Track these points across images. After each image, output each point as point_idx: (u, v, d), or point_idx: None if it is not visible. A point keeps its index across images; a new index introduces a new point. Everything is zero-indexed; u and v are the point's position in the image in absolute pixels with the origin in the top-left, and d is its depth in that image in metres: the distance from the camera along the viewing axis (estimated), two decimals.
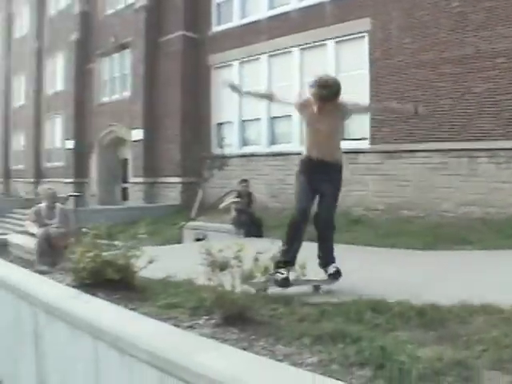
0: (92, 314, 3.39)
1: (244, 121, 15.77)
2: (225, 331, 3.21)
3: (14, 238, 8.78)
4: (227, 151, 15.76)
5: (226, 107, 16.08)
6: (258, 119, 15.18)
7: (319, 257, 4.82)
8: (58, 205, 8.10)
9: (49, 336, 3.90)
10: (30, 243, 7.48)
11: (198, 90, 16.85)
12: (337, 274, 4.71)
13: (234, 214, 10.68)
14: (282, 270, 4.50)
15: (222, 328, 3.28)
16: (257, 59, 15.24)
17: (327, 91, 4.38)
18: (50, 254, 6.82)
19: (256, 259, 3.55)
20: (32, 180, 26.33)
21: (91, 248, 4.37)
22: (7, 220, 20.40)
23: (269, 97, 6.00)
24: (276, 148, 14.61)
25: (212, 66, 16.54)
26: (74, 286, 4.31)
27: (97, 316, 3.34)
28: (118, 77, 20.41)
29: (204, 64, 16.74)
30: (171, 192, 17.12)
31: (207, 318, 3.50)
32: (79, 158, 22.21)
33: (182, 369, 2.47)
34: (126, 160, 20.08)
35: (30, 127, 26.87)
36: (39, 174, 26.17)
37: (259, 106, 14.75)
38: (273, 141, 14.91)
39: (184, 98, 16.81)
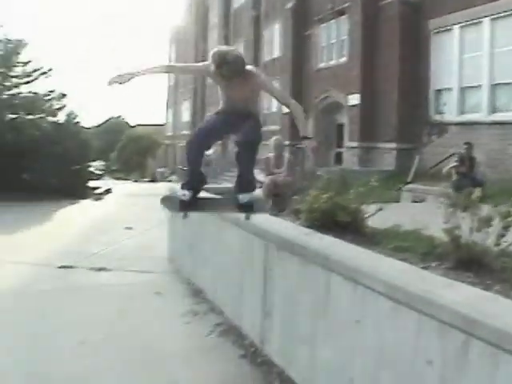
0: (327, 248, 3.72)
1: (464, 88, 16.25)
2: (458, 275, 3.37)
3: None
4: (446, 118, 16.51)
5: (445, 73, 16.84)
6: (479, 86, 15.65)
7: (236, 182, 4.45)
8: (286, 155, 8.75)
9: (278, 270, 4.31)
10: (257, 191, 8.35)
11: (417, 55, 17.62)
12: (249, 207, 4.33)
13: (454, 177, 10.95)
14: (185, 191, 4.24)
15: (455, 272, 3.45)
16: (479, 23, 15.57)
17: (226, 70, 3.77)
18: (276, 202, 7.12)
19: (495, 205, 3.61)
20: None
21: (325, 191, 4.81)
22: (224, 178, 23.86)
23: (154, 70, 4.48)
24: (497, 116, 14.91)
25: (431, 30, 17.25)
26: (304, 227, 4.68)
27: (332, 250, 3.66)
28: (334, 42, 21.97)
29: (423, 29, 17.46)
30: (386, 157, 18.36)
31: (439, 262, 3.66)
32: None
33: (420, 300, 2.66)
34: (341, 125, 21.78)
35: None
36: None
37: (482, 72, 15.35)
38: (494, 109, 15.20)
39: (402, 63, 17.71)
